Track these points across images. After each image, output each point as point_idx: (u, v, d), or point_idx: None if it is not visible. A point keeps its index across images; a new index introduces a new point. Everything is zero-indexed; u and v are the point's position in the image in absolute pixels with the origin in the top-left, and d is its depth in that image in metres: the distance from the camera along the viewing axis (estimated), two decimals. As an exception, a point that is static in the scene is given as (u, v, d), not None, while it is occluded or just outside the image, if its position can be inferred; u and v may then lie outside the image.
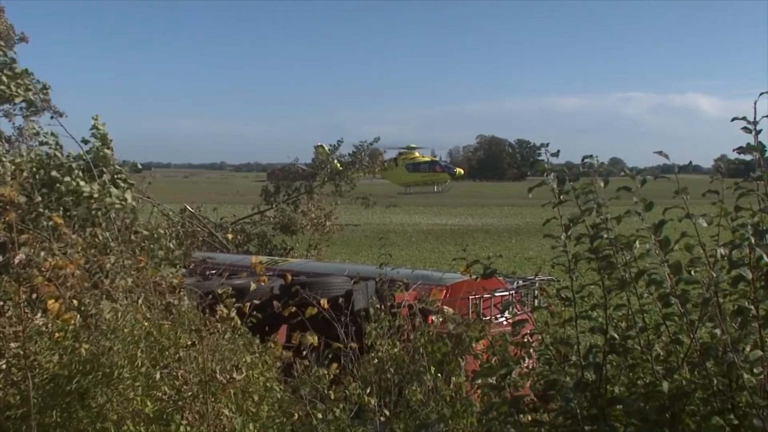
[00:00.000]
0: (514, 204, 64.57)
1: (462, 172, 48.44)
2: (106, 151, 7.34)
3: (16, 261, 4.83)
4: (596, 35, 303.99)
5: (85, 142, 7.47)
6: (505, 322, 6.03)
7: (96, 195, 6.62)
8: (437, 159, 50.35)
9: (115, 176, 7.17)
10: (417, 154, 52.68)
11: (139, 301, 4.81)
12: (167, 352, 4.23)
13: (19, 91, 7.90)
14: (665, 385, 2.90)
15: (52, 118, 8.05)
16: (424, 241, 33.11)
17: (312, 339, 4.92)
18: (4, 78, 7.68)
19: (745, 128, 3.07)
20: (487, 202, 73.25)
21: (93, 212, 6.58)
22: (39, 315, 4.35)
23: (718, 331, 2.94)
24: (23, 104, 8.28)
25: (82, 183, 6.68)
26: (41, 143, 7.56)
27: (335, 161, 16.31)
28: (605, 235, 3.08)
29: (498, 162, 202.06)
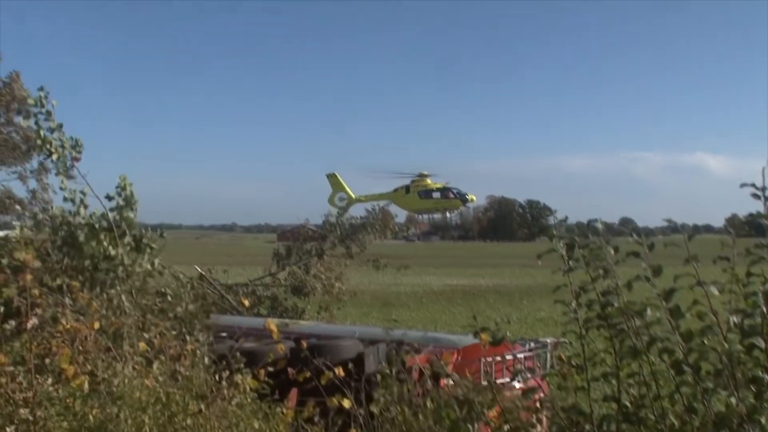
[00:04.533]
0: (525, 264, 64.23)
1: (474, 198, 48.39)
2: (129, 213, 7.23)
3: (29, 326, 4.81)
4: (603, 94, 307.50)
5: (109, 198, 7.28)
6: (517, 387, 5.95)
7: (125, 261, 6.56)
8: (449, 186, 50.53)
9: (140, 241, 7.10)
10: (429, 181, 53.10)
11: (154, 367, 4.79)
12: (176, 419, 4.19)
13: (55, 147, 7.52)
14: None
15: (70, 177, 7.61)
16: (435, 302, 32.89)
17: (333, 402, 4.85)
18: (42, 132, 7.40)
19: (754, 195, 3.10)
20: (498, 263, 72.91)
21: (113, 276, 6.53)
22: (50, 380, 4.34)
23: (733, 400, 2.91)
24: (54, 160, 7.66)
25: (109, 247, 6.62)
26: (65, 199, 7.30)
27: (345, 223, 16.38)
28: (615, 303, 3.08)
29: (508, 222, 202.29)
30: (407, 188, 51.56)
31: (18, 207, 17.68)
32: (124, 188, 7.28)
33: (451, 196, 51.72)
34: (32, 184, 18.21)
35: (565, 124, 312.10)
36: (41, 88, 7.54)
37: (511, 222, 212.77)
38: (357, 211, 16.69)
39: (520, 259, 75.64)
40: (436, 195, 52.51)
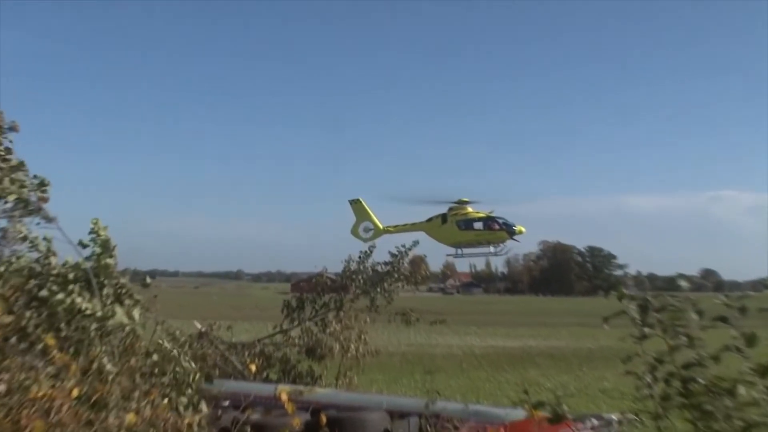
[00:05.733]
0: (585, 324, 63.41)
1: (523, 230, 47.15)
2: (108, 260, 7.30)
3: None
4: (675, 125, 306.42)
5: (83, 245, 7.33)
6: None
7: (98, 314, 6.59)
8: (493, 215, 49.78)
9: (119, 290, 7.16)
10: (470, 209, 52.48)
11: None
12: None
13: (13, 187, 7.60)
14: None
15: (38, 223, 7.68)
16: (478, 368, 32.51)
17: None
18: None
19: None
20: (553, 321, 72.18)
21: (91, 333, 6.55)
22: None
23: None
24: (14, 203, 7.72)
25: (79, 299, 6.68)
26: (32, 247, 7.43)
27: (368, 269, 16.42)
28: (700, 378, 2.99)
29: (565, 273, 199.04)
30: (444, 217, 50.57)
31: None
32: (98, 233, 7.32)
33: (496, 227, 50.44)
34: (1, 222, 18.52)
35: (630, 159, 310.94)
36: None
37: (569, 273, 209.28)
38: (382, 251, 16.43)
39: (579, 318, 74.69)
40: (478, 225, 51.45)
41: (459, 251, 55.71)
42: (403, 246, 16.95)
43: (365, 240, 46.55)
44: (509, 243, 51.50)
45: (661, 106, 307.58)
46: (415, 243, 17.41)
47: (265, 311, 23.11)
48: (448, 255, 53.05)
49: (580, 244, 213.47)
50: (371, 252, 16.83)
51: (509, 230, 56.83)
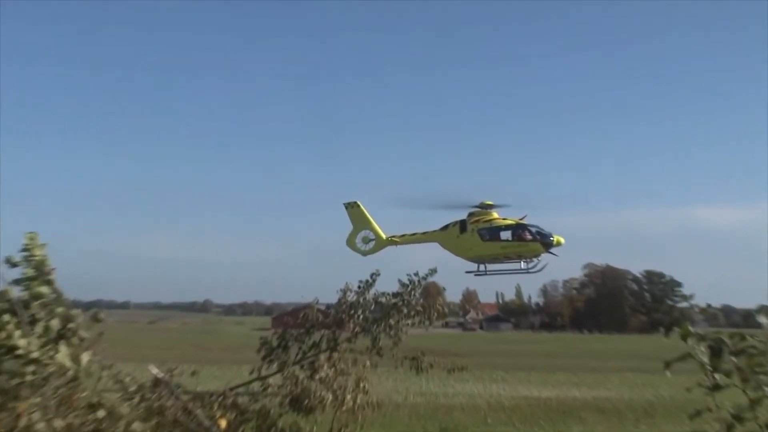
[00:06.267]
0: (642, 369, 63.19)
1: (562, 241, 45.92)
2: (42, 287, 7.19)
3: None
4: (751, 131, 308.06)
5: (12, 264, 7.27)
6: None
7: (35, 354, 6.49)
8: (524, 222, 47.93)
9: (64, 327, 7.06)
10: (495, 214, 50.48)
11: None
12: None
13: None
14: None
15: None
16: (506, 424, 32.46)
17: None
18: None
19: None
20: (601, 366, 71.84)
21: (26, 379, 6.47)
22: None
23: None
24: None
25: (17, 333, 6.58)
26: None
27: (370, 300, 16.49)
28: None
29: (616, 304, 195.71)
30: (462, 225, 48.88)
31: None
32: (32, 251, 7.22)
33: (528, 237, 48.30)
34: None
35: (700, 161, 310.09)
36: None
37: (621, 304, 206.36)
38: (388, 279, 16.26)
39: (634, 361, 74.36)
40: (506, 235, 49.26)
41: (481, 267, 53.68)
42: (416, 274, 16.86)
43: (364, 253, 45.69)
44: (545, 258, 48.86)
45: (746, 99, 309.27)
46: (432, 271, 17.30)
47: (239, 352, 23.20)
48: (467, 272, 51.48)
49: (636, 268, 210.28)
50: (374, 280, 16.67)
51: (544, 241, 54.20)
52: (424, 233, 46.59)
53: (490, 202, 51.96)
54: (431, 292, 18.38)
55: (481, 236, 50.43)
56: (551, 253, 48.05)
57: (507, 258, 50.37)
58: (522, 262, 49.64)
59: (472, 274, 49.05)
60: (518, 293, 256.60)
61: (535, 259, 50.70)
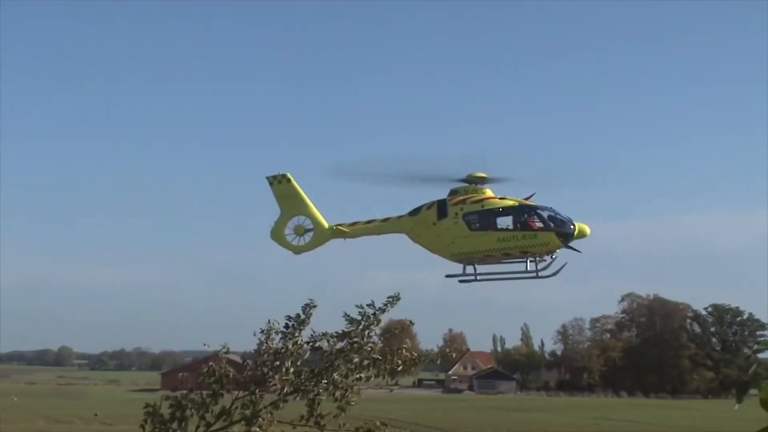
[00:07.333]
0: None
1: (587, 230, 34.55)
2: None
3: None
4: None
5: None
6: None
7: None
8: (533, 203, 36.61)
9: None
10: (489, 192, 38.55)
11: None
12: None
13: None
14: None
15: None
16: None
17: None
18: None
19: None
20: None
21: None
22: None
23: None
24: None
25: None
26: None
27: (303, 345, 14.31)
28: None
29: (668, 351, 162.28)
30: (441, 207, 37.27)
31: None
32: None
33: (537, 224, 36.22)
34: None
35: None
36: None
37: (676, 352, 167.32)
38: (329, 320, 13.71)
39: None
40: (505, 221, 37.11)
41: (469, 270, 40.17)
42: (371, 305, 14.01)
43: (297, 249, 35.81)
44: (562, 255, 36.04)
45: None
46: (394, 299, 14.22)
47: (111, 426, 18.84)
48: (448, 276, 38.86)
49: (699, 301, 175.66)
50: (308, 316, 14.00)
51: (561, 230, 38.84)
52: (384, 220, 35.73)
53: (481, 175, 39.13)
54: (395, 330, 14.76)
55: (469, 224, 36.35)
56: (571, 248, 37.36)
57: (506, 255, 37.21)
58: (528, 261, 36.78)
59: (454, 280, 39.08)
60: (525, 336, 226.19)
61: (547, 257, 36.18)
